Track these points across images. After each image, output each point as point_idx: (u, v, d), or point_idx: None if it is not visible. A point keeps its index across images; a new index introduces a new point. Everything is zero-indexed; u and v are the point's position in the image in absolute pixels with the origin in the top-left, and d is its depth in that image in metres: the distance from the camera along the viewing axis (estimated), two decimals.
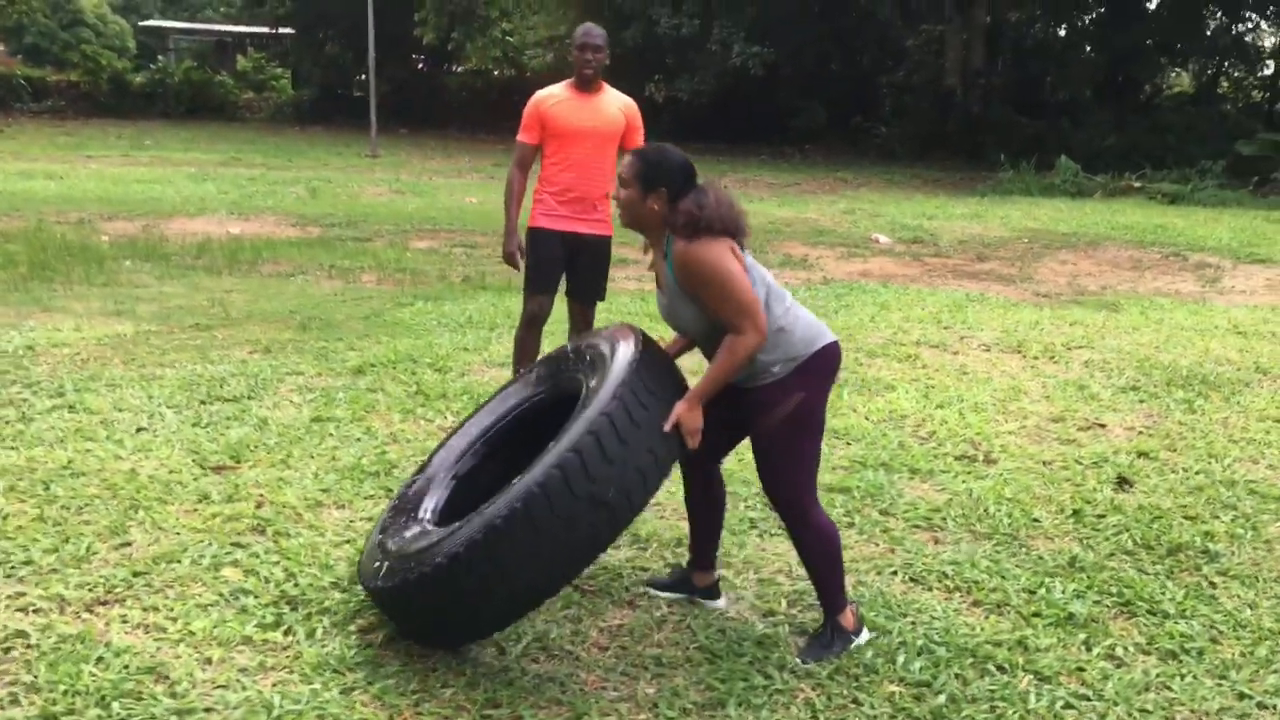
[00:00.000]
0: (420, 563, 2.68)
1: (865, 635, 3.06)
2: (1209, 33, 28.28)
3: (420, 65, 33.41)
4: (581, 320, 4.95)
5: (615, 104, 4.73)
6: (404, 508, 3.09)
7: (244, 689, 2.67)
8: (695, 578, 3.30)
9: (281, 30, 35.33)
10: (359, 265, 9.10)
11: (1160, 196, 18.26)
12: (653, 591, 3.35)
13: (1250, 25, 29.23)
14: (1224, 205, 17.16)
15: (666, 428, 2.76)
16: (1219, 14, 28.17)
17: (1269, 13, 27.38)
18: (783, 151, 27.20)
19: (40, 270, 8.06)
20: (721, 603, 3.30)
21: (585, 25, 4.73)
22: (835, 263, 10.52)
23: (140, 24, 45.31)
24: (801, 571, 3.47)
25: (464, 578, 2.61)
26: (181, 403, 4.87)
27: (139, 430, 4.49)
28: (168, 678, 2.70)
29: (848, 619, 3.04)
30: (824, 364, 2.96)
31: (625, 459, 2.64)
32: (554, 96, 4.69)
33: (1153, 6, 28.87)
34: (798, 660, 2.96)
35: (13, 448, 4.20)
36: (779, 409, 2.91)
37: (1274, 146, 20.09)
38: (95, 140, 22.21)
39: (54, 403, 4.77)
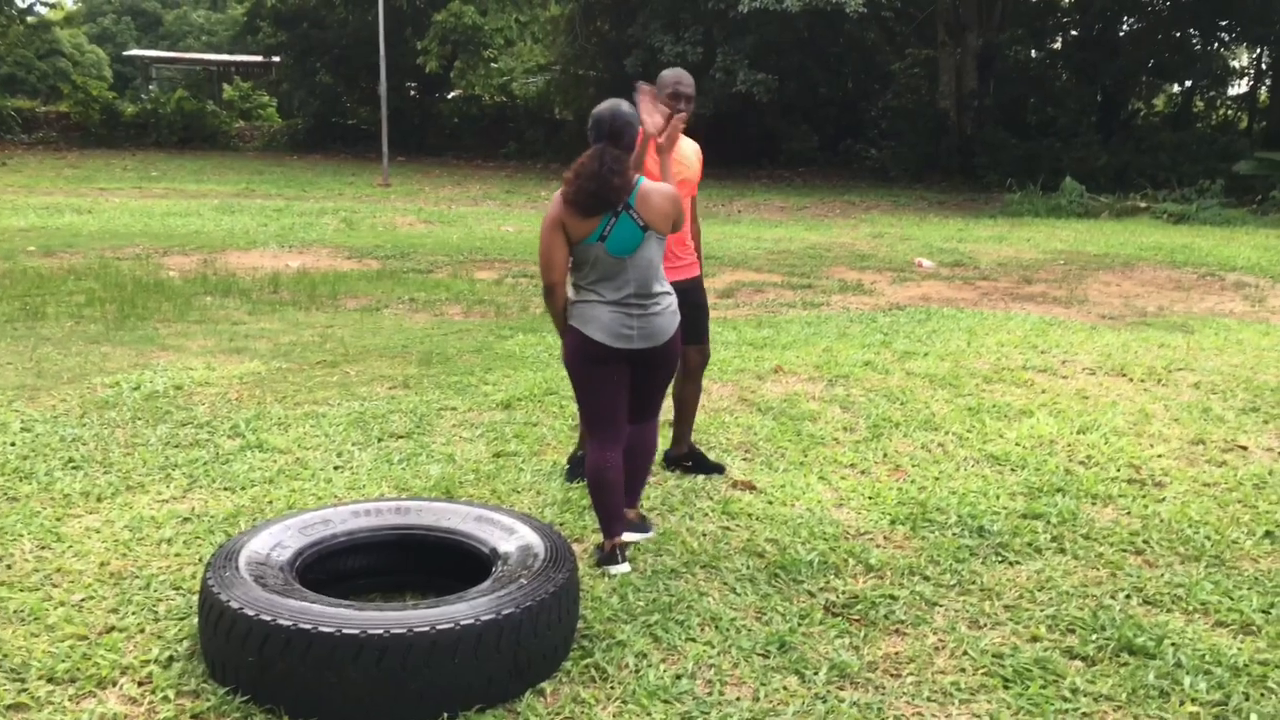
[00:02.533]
0: None
1: (620, 569, 3.68)
2: (1187, 53, 28.86)
3: (413, 93, 33.49)
4: (697, 358, 4.66)
5: (692, 151, 4.47)
6: None
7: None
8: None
9: (268, 59, 35.40)
10: (437, 298, 9.18)
11: (1166, 216, 18.70)
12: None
13: (1225, 45, 29.79)
14: (1230, 224, 17.60)
15: None
16: (1195, 34, 28.83)
17: (1244, 33, 27.96)
18: (779, 175, 27.57)
19: (131, 308, 8.07)
20: (651, 533, 3.96)
21: (676, 72, 4.35)
22: (890, 287, 10.72)
23: (123, 54, 45.07)
24: (1044, 596, 3.64)
25: None
26: (361, 440, 4.95)
27: (336, 469, 4.57)
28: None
29: (606, 546, 3.73)
30: (577, 346, 3.64)
31: None
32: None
33: (1128, 30, 29.62)
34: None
35: (228, 489, 4.27)
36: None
37: (1270, 166, 20.64)
38: (101, 173, 22.09)
39: (239, 443, 4.84)
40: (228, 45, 44.60)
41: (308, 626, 2.65)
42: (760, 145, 29.27)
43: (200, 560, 3.58)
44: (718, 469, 4.78)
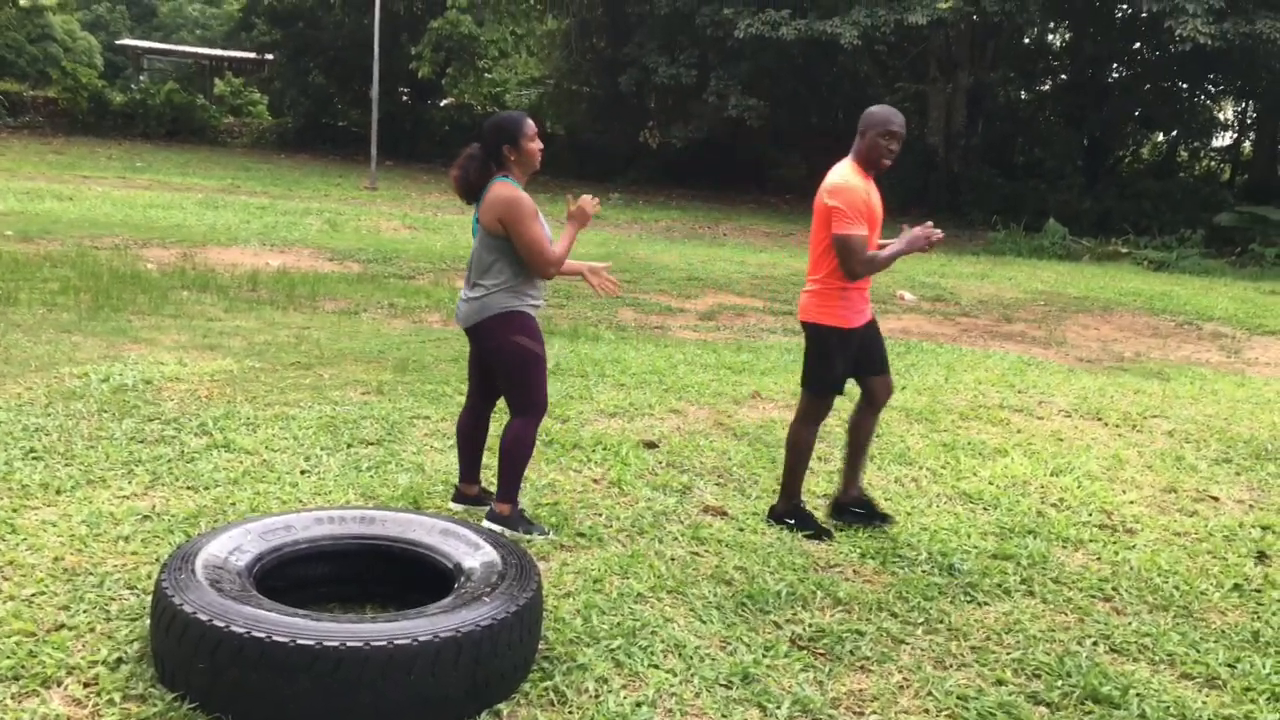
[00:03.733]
0: None
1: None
2: (1174, 104, 29.17)
3: (405, 98, 33.45)
4: (886, 392, 4.61)
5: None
6: None
7: None
8: (465, 489, 4.31)
9: (262, 56, 35.30)
10: (417, 304, 9.12)
11: (1147, 263, 18.86)
12: (452, 504, 4.27)
13: (1211, 97, 30.08)
14: (1209, 274, 17.77)
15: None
16: (1184, 86, 29.16)
17: (1230, 86, 28.29)
18: (767, 201, 27.66)
19: (106, 298, 7.98)
20: (486, 523, 3.98)
21: (895, 112, 4.24)
22: None
23: (116, 42, 44.81)
24: (1011, 639, 3.61)
25: None
26: (330, 445, 4.88)
27: (303, 473, 4.50)
28: None
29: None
30: None
31: None
32: (863, 185, 4.18)
33: (1117, 77, 29.94)
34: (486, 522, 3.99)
35: (191, 488, 4.20)
36: None
37: (1250, 219, 20.88)
38: (86, 160, 21.93)
39: (205, 441, 4.76)
40: (222, 40, 44.40)
41: (261, 635, 2.59)
42: (749, 170, 29.40)
43: (157, 560, 3.50)
44: (886, 519, 4.53)
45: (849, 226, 4.11)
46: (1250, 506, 5.26)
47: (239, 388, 5.77)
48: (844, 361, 4.36)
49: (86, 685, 2.77)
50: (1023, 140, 30.19)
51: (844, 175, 4.21)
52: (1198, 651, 3.61)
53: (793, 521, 4.42)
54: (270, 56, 34.32)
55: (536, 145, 4.03)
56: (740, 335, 9.05)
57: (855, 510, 4.55)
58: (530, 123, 4.03)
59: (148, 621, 3.01)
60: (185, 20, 57.26)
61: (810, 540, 4.33)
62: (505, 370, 4.07)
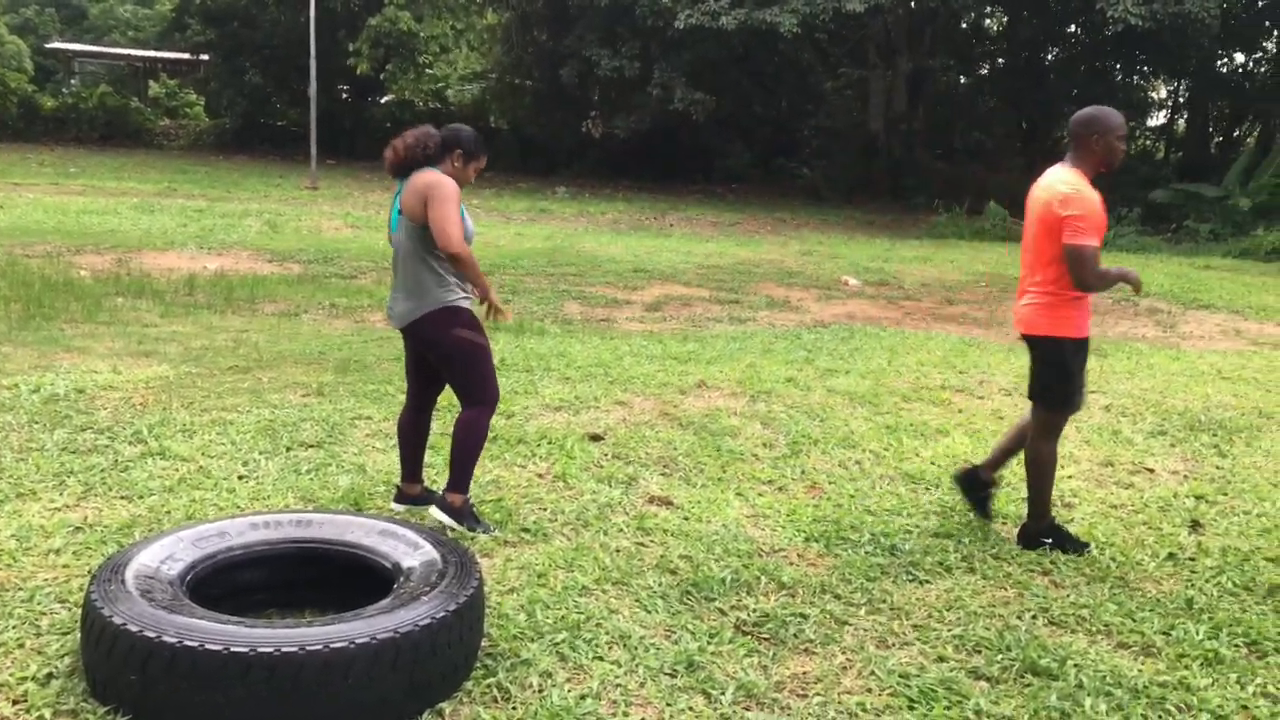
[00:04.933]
0: None
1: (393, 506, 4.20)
2: (1108, 84, 29.65)
3: (345, 95, 33.04)
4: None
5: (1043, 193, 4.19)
6: None
7: None
8: (407, 489, 4.26)
9: (196, 57, 34.69)
10: (359, 304, 9.03)
11: None
12: (394, 505, 4.22)
13: (1145, 77, 30.61)
14: (1145, 251, 18.10)
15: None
16: (1117, 66, 29.65)
17: (1162, 66, 28.80)
18: (713, 190, 27.73)
19: (37, 307, 7.81)
20: (434, 512, 4.03)
21: (1118, 114, 4.13)
22: (816, 305, 10.81)
23: (46, 46, 43.75)
24: (952, 615, 3.65)
25: None
26: (269, 449, 4.82)
27: (240, 478, 4.44)
28: None
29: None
30: None
31: None
32: (1092, 191, 4.05)
33: (1053, 59, 30.40)
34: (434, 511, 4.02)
35: (125, 497, 4.12)
36: None
37: (1185, 196, 21.30)
38: (16, 167, 21.41)
39: (140, 449, 4.68)
40: (155, 41, 43.55)
41: (194, 644, 2.55)
42: (695, 160, 29.46)
43: (89, 572, 3.43)
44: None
45: (1086, 238, 4.01)
46: (1185, 477, 5.37)
47: (175, 394, 5.67)
48: (1081, 371, 4.25)
49: (15, 702, 2.71)
50: (963, 124, 30.54)
51: (1076, 185, 4.04)
52: (1133, 621, 3.68)
53: (1050, 541, 4.27)
54: (205, 57, 33.74)
55: (473, 176, 4.14)
56: (686, 325, 9.06)
57: (977, 490, 4.52)
58: (485, 157, 4.17)
59: (79, 635, 2.95)
60: (117, 22, 56.04)
61: (1071, 554, 4.21)
62: (452, 366, 4.06)
